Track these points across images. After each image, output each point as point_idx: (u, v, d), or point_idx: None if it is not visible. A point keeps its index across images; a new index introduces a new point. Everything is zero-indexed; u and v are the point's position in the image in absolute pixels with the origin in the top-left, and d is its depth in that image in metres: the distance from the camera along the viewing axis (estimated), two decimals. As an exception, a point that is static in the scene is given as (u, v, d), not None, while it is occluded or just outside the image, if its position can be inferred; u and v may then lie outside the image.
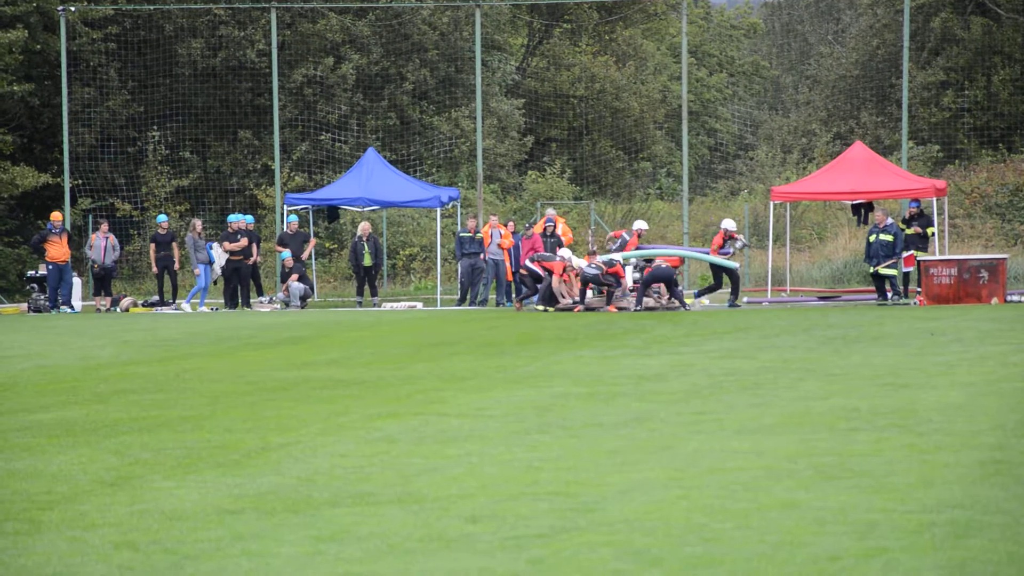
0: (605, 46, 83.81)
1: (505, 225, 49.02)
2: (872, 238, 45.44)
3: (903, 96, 55.35)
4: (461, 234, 49.78)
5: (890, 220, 46.03)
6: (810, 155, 69.86)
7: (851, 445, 15.77)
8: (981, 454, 15.02)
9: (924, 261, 43.51)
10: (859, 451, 15.35)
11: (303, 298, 48.79)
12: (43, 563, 10.90)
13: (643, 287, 43.31)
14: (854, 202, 50.06)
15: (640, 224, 46.25)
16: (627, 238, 45.87)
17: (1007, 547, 10.70)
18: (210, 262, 49.63)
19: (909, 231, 45.20)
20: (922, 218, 46.03)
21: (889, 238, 44.82)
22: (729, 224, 44.32)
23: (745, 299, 46.48)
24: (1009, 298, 43.16)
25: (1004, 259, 44.97)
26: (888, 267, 44.06)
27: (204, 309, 48.10)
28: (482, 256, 48.24)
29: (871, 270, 45.12)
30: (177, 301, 49.92)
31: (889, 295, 43.77)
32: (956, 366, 24.50)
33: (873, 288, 44.79)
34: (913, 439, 16.10)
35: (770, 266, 50.86)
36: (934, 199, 48.37)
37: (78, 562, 10.89)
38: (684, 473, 14.23)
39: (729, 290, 44.45)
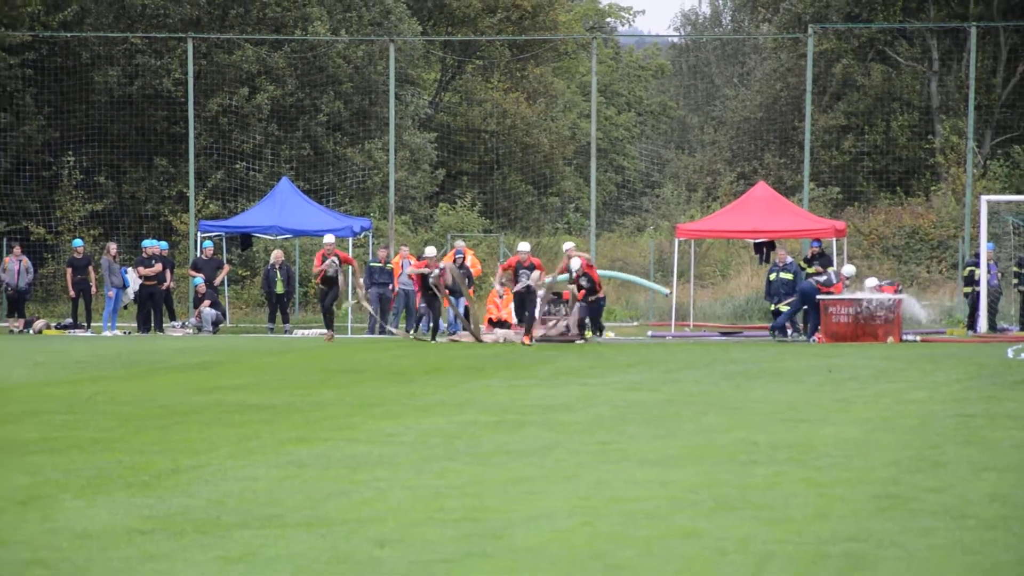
0: (516, 83, 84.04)
1: (418, 257, 49.04)
2: (773, 276, 45.88)
3: (805, 139, 55.65)
4: (371, 263, 49.81)
5: (790, 259, 46.38)
6: (714, 194, 70.21)
7: (750, 478, 15.85)
8: (876, 488, 15.11)
9: (823, 300, 43.72)
10: (758, 484, 15.42)
11: (215, 323, 48.77)
12: (-46, 580, 10.87)
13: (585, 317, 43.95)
14: (756, 240, 50.38)
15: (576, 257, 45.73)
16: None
17: (901, 580, 10.79)
18: (124, 286, 49.61)
19: (810, 270, 45.41)
20: (823, 258, 46.28)
21: (789, 276, 45.21)
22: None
23: (649, 333, 46.64)
24: (904, 338, 43.42)
25: (900, 299, 45.23)
26: (788, 304, 44.28)
27: (116, 332, 47.96)
28: (391, 287, 48.28)
29: (771, 307, 45.35)
30: (93, 325, 49.83)
31: (789, 332, 43.99)
32: (852, 403, 24.64)
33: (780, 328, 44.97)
34: (810, 473, 16.18)
35: (674, 301, 50.98)
36: (834, 239, 48.61)
37: (-11, 580, 10.86)
38: (588, 501, 14.26)
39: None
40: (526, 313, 41.85)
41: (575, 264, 41.51)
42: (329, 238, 44.65)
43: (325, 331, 44.82)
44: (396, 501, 14.31)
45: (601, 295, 44.01)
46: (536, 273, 41.22)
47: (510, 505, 14.09)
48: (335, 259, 43.12)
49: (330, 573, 11.08)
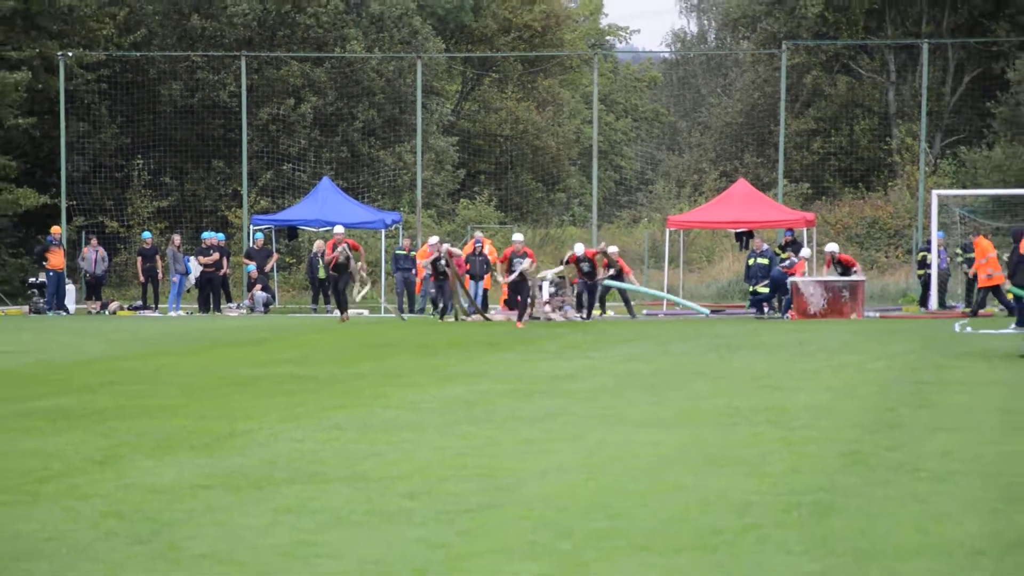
0: (528, 93, 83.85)
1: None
2: (751, 261, 46.00)
3: (780, 141, 55.56)
4: (396, 251, 49.80)
5: (766, 246, 46.47)
6: (700, 189, 70.05)
7: (732, 437, 15.84)
8: (841, 447, 15.10)
9: (795, 282, 43.65)
10: (739, 442, 15.42)
11: (265, 305, 48.77)
12: (40, 529, 10.88)
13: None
14: (737, 230, 50.31)
15: (613, 248, 45.30)
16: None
17: (860, 525, 10.77)
18: (187, 272, 49.70)
19: (784, 255, 45.42)
20: (795, 245, 46.28)
21: (765, 261, 45.31)
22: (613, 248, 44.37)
23: (644, 312, 46.53)
24: (866, 315, 43.35)
25: (862, 281, 45.10)
26: (764, 286, 44.22)
27: (180, 313, 47.96)
28: (413, 271, 48.24)
29: (750, 289, 45.29)
30: (160, 307, 49.85)
31: (765, 310, 43.93)
32: (821, 372, 24.60)
33: (752, 304, 44.89)
34: (784, 433, 16.17)
35: (666, 283, 50.88)
36: (805, 229, 48.56)
37: (71, 528, 10.88)
38: (591, 459, 14.27)
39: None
40: (518, 299, 40.53)
41: (579, 249, 41.37)
42: (339, 228, 43.80)
43: (360, 311, 44.84)
44: (423, 460, 14.32)
45: (600, 278, 42.83)
46: (527, 261, 40.27)
47: (522, 463, 14.10)
48: (345, 247, 41.37)
49: (367, 523, 11.09)
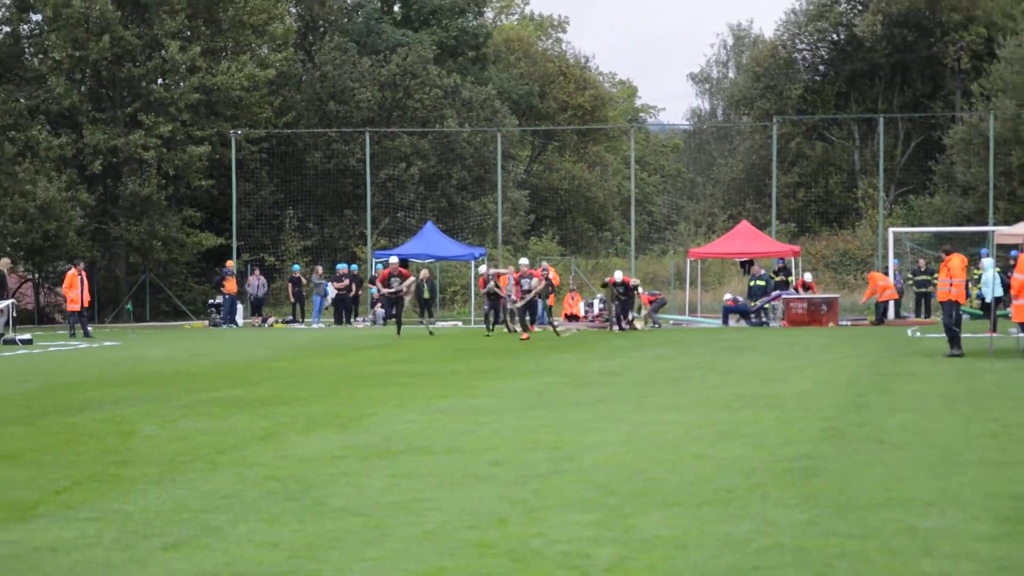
0: (581, 156, 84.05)
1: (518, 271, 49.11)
2: (752, 283, 46.18)
3: (772, 191, 55.39)
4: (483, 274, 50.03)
5: (763, 271, 46.45)
6: (713, 228, 69.87)
7: (739, 418, 15.76)
8: (822, 424, 15.02)
9: (786, 297, 43.79)
10: (744, 421, 15.34)
11: (384, 319, 48.84)
12: (218, 488, 10.90)
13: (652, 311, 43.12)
14: (741, 260, 50.22)
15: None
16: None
17: (839, 483, 10.72)
18: (325, 294, 49.94)
19: (777, 279, 45.62)
20: (785, 271, 46.38)
21: (762, 283, 45.46)
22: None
23: (671, 321, 46.43)
24: (840, 323, 43.31)
25: (836, 298, 45.51)
26: (764, 302, 44.32)
27: (320, 325, 48.11)
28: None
29: (753, 304, 45.18)
30: (306, 321, 50.06)
31: (763, 319, 43.90)
32: (806, 367, 24.49)
33: (753, 315, 44.76)
34: (779, 414, 16.09)
35: (687, 300, 50.89)
36: (793, 258, 48.52)
37: (241, 488, 10.90)
38: (631, 436, 14.22)
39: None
40: (527, 314, 37.38)
41: (618, 275, 40.97)
42: (393, 259, 40.74)
43: (456, 323, 44.76)
44: (504, 436, 14.29)
45: (631, 295, 41.56)
46: (535, 280, 37.52)
47: (579, 438, 14.06)
48: (400, 274, 38.46)
49: (463, 484, 11.07)
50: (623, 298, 41.12)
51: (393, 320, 40.19)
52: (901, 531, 8.88)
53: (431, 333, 40.06)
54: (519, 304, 37.52)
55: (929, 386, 20.18)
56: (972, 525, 9.08)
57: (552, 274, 48.67)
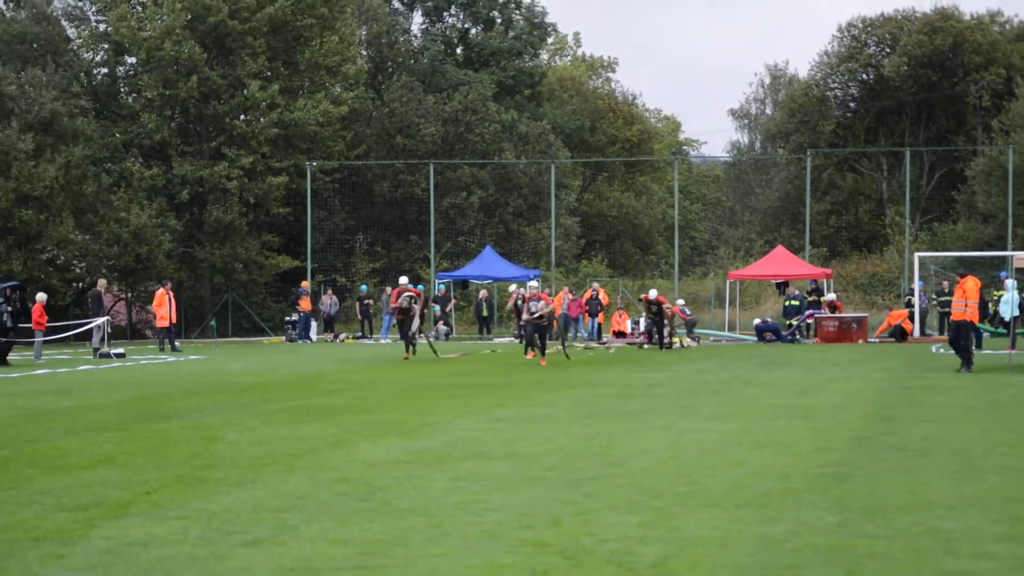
0: (628, 186, 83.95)
1: (571, 292, 49.32)
2: (787, 303, 46.19)
3: (807, 218, 55.28)
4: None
5: (796, 291, 46.37)
6: (751, 252, 69.62)
7: (775, 427, 15.71)
8: (851, 433, 14.96)
9: (819, 316, 43.67)
10: (780, 430, 15.29)
11: (446, 335, 48.92)
12: (294, 490, 10.94)
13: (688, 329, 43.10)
14: (777, 281, 50.03)
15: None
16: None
17: (867, 488, 10.67)
18: (392, 312, 50.06)
19: (810, 299, 45.49)
20: (818, 291, 46.19)
21: (796, 303, 45.35)
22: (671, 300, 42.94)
23: (711, 338, 46.32)
24: (870, 340, 43.12)
25: (866, 317, 45.24)
26: (799, 321, 44.25)
27: (388, 341, 48.21)
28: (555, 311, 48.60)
29: (786, 323, 45.07)
30: (375, 337, 50.16)
31: (796, 337, 43.74)
32: (837, 380, 24.40)
33: (788, 333, 44.57)
34: (812, 423, 16.03)
35: (727, 319, 50.72)
36: (825, 280, 48.34)
37: (314, 490, 10.93)
38: (675, 443, 14.19)
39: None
40: (537, 337, 32.31)
41: (652, 293, 40.35)
42: (403, 279, 37.85)
43: (512, 339, 44.67)
44: (558, 443, 14.28)
45: (663, 314, 39.84)
46: (543, 303, 32.42)
47: (627, 445, 14.04)
48: (411, 295, 34.89)
49: (518, 487, 11.07)
50: (655, 316, 40.00)
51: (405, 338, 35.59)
52: (925, 532, 8.84)
53: (493, 351, 38.84)
54: (529, 319, 32.64)
55: (951, 398, 20.09)
56: (992, 527, 9.04)
57: (602, 294, 48.82)
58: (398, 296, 35.20)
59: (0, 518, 9.77)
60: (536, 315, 32.22)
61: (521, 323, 33.84)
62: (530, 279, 51.70)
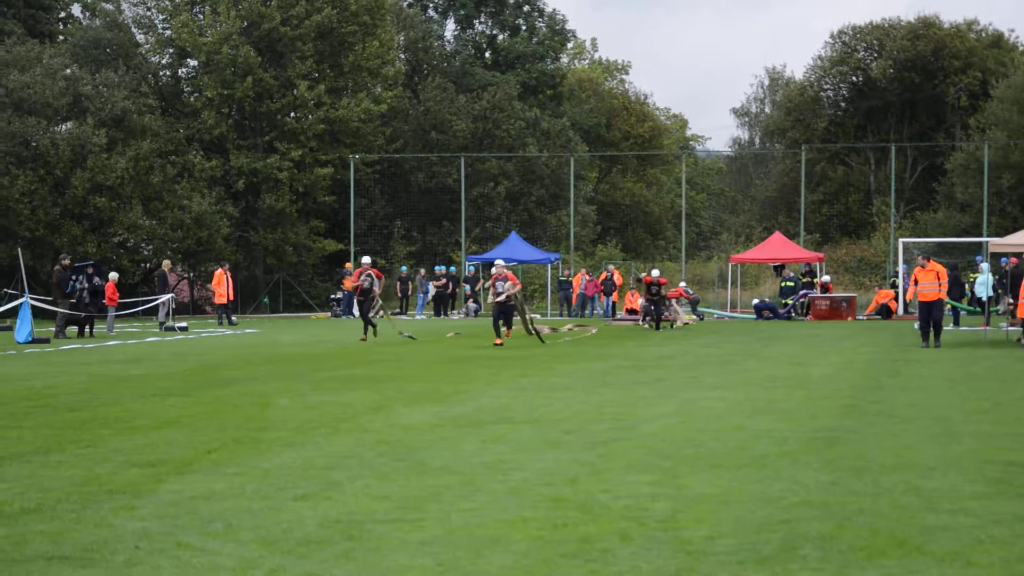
0: (640, 177, 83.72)
1: (588, 273, 49.32)
2: (783, 284, 45.92)
3: (801, 207, 55.03)
4: (560, 278, 50.08)
5: (792, 274, 46.19)
6: (751, 238, 69.38)
7: (772, 395, 15.69)
8: (842, 401, 14.94)
9: (812, 296, 43.55)
10: (777, 398, 15.27)
11: (475, 312, 48.90)
12: (339, 450, 10.96)
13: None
14: (774, 264, 49.89)
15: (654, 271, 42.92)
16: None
17: (856, 451, 10.65)
18: (427, 291, 50.11)
19: (804, 280, 45.32)
20: (811, 273, 46.01)
21: (791, 284, 45.15)
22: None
23: (714, 315, 46.23)
24: (858, 318, 43.01)
25: (855, 296, 45.20)
26: (794, 300, 44.10)
27: (423, 317, 48.21)
28: (570, 291, 48.60)
29: (782, 302, 44.95)
30: (410, 313, 50.17)
31: (792, 314, 43.61)
32: (829, 353, 24.35)
33: (784, 311, 44.45)
34: (806, 392, 16.00)
35: (728, 298, 50.65)
36: (817, 263, 48.19)
37: (358, 451, 10.95)
38: (682, 410, 14.18)
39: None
40: (502, 318, 29.02)
41: (655, 273, 37.62)
42: (366, 259, 32.07)
43: (534, 315, 44.59)
44: (575, 409, 14.29)
45: (667, 296, 38.18)
46: (509, 283, 28.93)
47: (638, 411, 14.03)
48: (370, 274, 30.99)
49: (541, 449, 11.07)
50: (655, 297, 37.19)
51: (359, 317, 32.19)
52: (908, 490, 8.83)
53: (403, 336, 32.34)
54: (498, 300, 29.25)
55: (932, 370, 20.04)
56: (968, 486, 9.02)
57: (616, 276, 48.84)
58: (359, 276, 31.30)
59: (78, 473, 9.83)
60: (501, 296, 28.86)
61: (496, 301, 29.04)
62: (551, 261, 51.87)
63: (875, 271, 58.90)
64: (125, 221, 49.99)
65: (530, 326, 31.17)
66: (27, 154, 48.37)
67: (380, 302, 31.10)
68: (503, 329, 29.07)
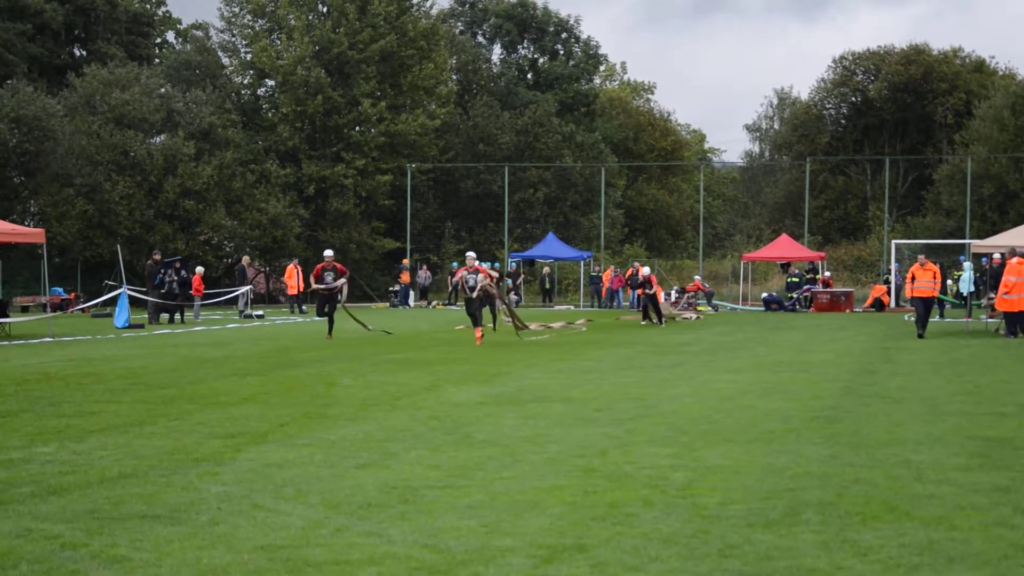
0: (663, 185, 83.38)
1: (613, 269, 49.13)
2: (788, 279, 45.62)
3: (806, 212, 54.82)
4: (592, 274, 49.89)
5: (797, 271, 45.89)
6: (761, 239, 69.02)
7: (779, 378, 15.61)
8: (840, 384, 14.85)
9: (814, 290, 43.29)
10: (783, 381, 15.19)
11: (516, 304, 48.83)
12: (395, 425, 10.99)
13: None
14: (781, 262, 49.65)
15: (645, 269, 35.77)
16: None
17: (853, 428, 10.60)
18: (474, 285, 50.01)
19: (807, 276, 45.08)
20: (814, 270, 45.77)
21: (796, 279, 44.88)
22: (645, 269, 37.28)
23: (728, 306, 46.03)
24: (856, 310, 42.75)
25: (852, 291, 44.83)
26: (799, 294, 43.88)
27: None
28: (601, 286, 48.47)
29: (788, 295, 44.71)
30: (459, 304, 50.05)
31: (796, 307, 43.39)
32: (829, 342, 24.22)
33: (790, 304, 44.20)
34: (809, 376, 15.92)
35: (740, 291, 50.42)
36: (820, 261, 47.95)
37: (411, 425, 10.98)
38: (698, 390, 14.13)
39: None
40: (478, 309, 25.13)
41: (645, 271, 34.23)
42: (328, 252, 26.61)
43: (569, 306, 44.47)
44: (603, 390, 14.26)
45: (656, 292, 33.04)
46: (480, 276, 25.20)
47: (659, 391, 13.99)
48: (334, 270, 25.81)
49: (574, 424, 11.07)
50: (649, 292, 32.91)
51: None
52: (899, 463, 8.78)
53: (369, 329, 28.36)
54: (473, 295, 25.24)
55: (921, 356, 19.90)
56: (952, 459, 8.96)
57: (641, 272, 48.48)
58: (322, 272, 26.03)
59: (168, 443, 9.89)
60: (473, 290, 25.16)
61: (472, 296, 25.00)
62: (583, 258, 51.75)
63: (870, 269, 58.57)
64: (210, 221, 50.36)
65: (517, 320, 27.36)
66: (126, 163, 48.72)
67: (344, 297, 26.21)
68: (487, 326, 26.29)
